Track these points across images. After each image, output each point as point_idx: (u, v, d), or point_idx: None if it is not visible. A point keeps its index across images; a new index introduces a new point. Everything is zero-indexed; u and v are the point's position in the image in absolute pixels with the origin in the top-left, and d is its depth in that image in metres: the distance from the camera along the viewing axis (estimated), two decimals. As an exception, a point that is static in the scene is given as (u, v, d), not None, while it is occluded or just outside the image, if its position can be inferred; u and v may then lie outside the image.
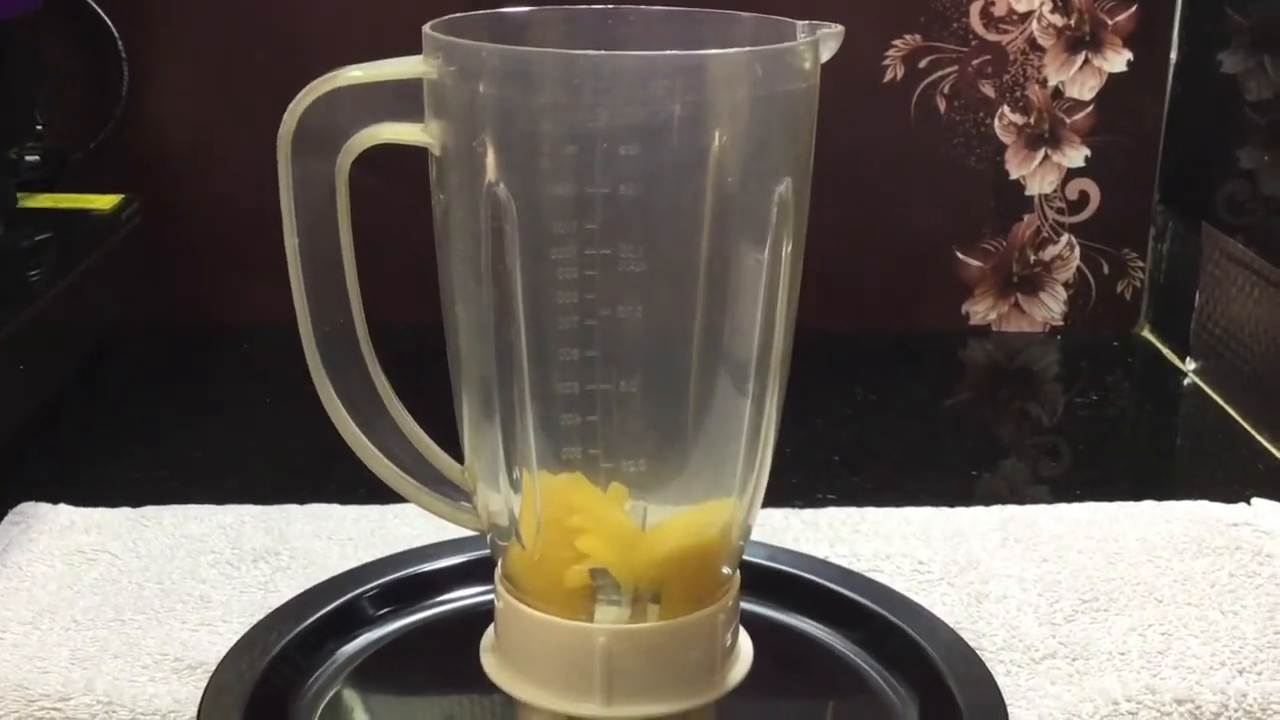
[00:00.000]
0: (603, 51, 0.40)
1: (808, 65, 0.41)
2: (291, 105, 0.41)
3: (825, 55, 0.42)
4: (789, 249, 0.42)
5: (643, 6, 0.46)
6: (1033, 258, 0.90)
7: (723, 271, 0.42)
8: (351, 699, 0.48)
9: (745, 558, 0.48)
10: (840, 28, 0.42)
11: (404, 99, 0.41)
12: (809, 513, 0.63)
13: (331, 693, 0.48)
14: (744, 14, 0.44)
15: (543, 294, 0.41)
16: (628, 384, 0.43)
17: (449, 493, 0.46)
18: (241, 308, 0.87)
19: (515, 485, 0.44)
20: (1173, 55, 0.87)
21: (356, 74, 0.41)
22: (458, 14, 0.42)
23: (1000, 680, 0.49)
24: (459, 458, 0.46)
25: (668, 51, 0.40)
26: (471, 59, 0.40)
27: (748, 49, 0.41)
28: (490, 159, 0.40)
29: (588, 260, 0.41)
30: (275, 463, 0.70)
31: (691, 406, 0.43)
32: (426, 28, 0.41)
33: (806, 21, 0.42)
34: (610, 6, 0.45)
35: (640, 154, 0.40)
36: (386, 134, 0.41)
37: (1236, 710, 0.49)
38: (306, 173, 0.42)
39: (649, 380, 0.43)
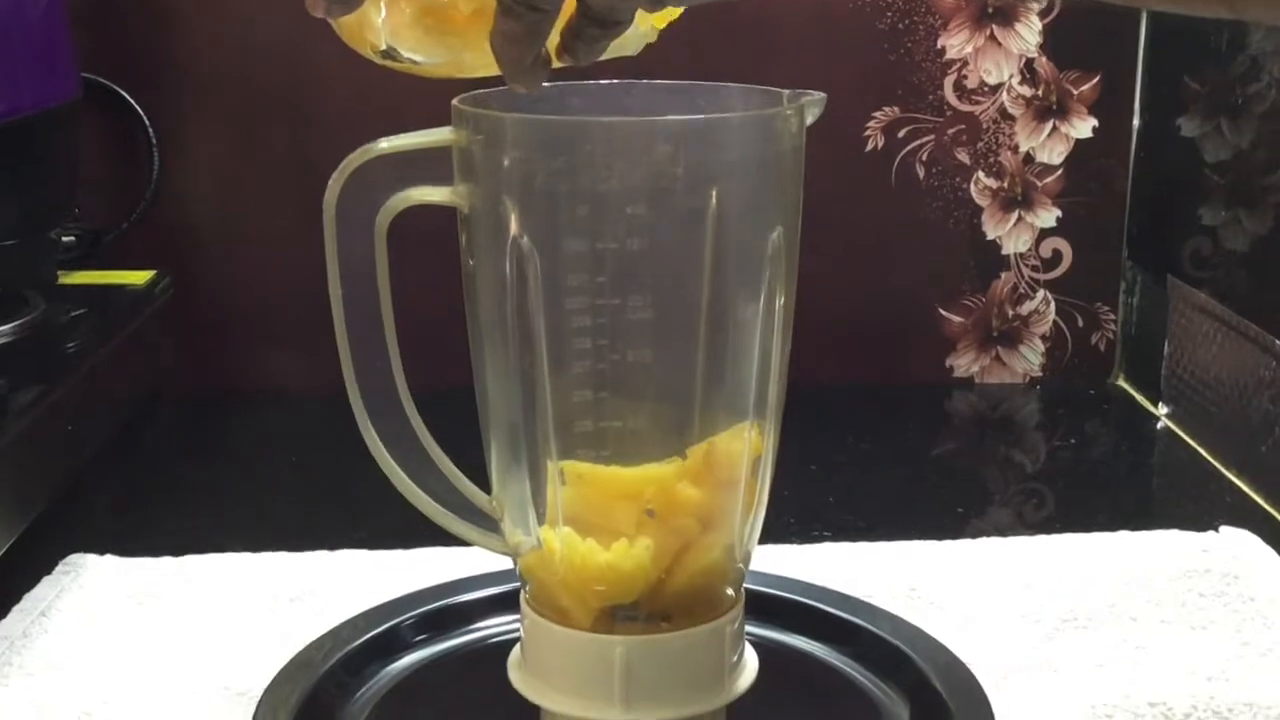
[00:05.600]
0: (612, 118, 0.45)
1: (794, 128, 0.46)
2: (336, 172, 0.46)
3: (809, 119, 0.47)
4: (782, 300, 0.47)
5: (644, 81, 0.51)
6: (1011, 313, 0.94)
7: (722, 317, 0.46)
8: (391, 714, 0.52)
9: (751, 585, 0.52)
10: (822, 95, 0.47)
11: (434, 165, 0.46)
12: (807, 548, 0.67)
13: (373, 708, 0.52)
14: (735, 85, 0.49)
15: (561, 340, 0.46)
16: (636, 421, 0.47)
17: (478, 520, 0.50)
18: (264, 374, 0.91)
19: (541, 517, 0.48)
20: (1135, 121, 0.92)
21: (392, 143, 0.46)
22: (481, 90, 0.47)
23: (988, 691, 0.52)
24: (485, 488, 0.50)
25: (669, 117, 0.45)
26: (497, 127, 0.45)
27: (740, 113, 0.46)
28: (514, 215, 0.45)
29: (599, 309, 0.45)
30: (301, 515, 0.74)
31: (696, 442, 0.47)
32: (455, 101, 0.46)
33: (791, 90, 0.47)
34: (616, 81, 0.50)
35: (645, 212, 0.45)
36: (419, 196, 0.46)
37: (1205, 710, 0.53)
38: (349, 232, 0.46)
39: (656, 418, 0.48)
